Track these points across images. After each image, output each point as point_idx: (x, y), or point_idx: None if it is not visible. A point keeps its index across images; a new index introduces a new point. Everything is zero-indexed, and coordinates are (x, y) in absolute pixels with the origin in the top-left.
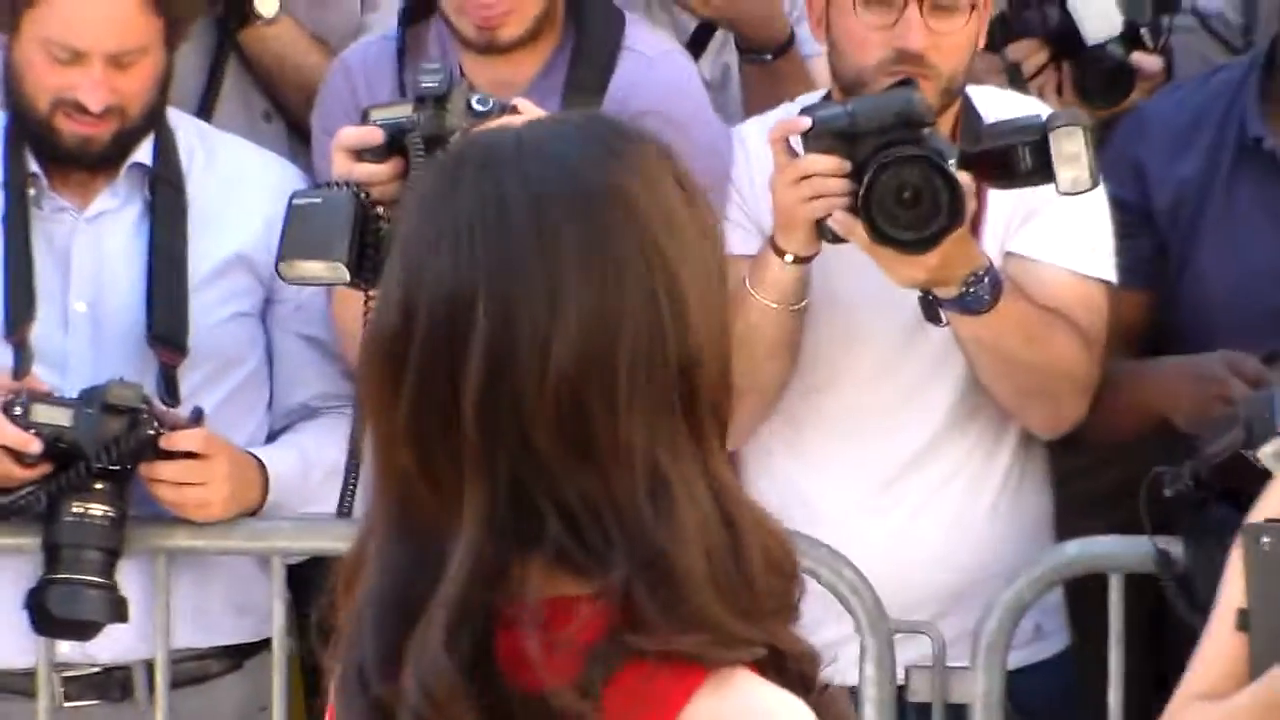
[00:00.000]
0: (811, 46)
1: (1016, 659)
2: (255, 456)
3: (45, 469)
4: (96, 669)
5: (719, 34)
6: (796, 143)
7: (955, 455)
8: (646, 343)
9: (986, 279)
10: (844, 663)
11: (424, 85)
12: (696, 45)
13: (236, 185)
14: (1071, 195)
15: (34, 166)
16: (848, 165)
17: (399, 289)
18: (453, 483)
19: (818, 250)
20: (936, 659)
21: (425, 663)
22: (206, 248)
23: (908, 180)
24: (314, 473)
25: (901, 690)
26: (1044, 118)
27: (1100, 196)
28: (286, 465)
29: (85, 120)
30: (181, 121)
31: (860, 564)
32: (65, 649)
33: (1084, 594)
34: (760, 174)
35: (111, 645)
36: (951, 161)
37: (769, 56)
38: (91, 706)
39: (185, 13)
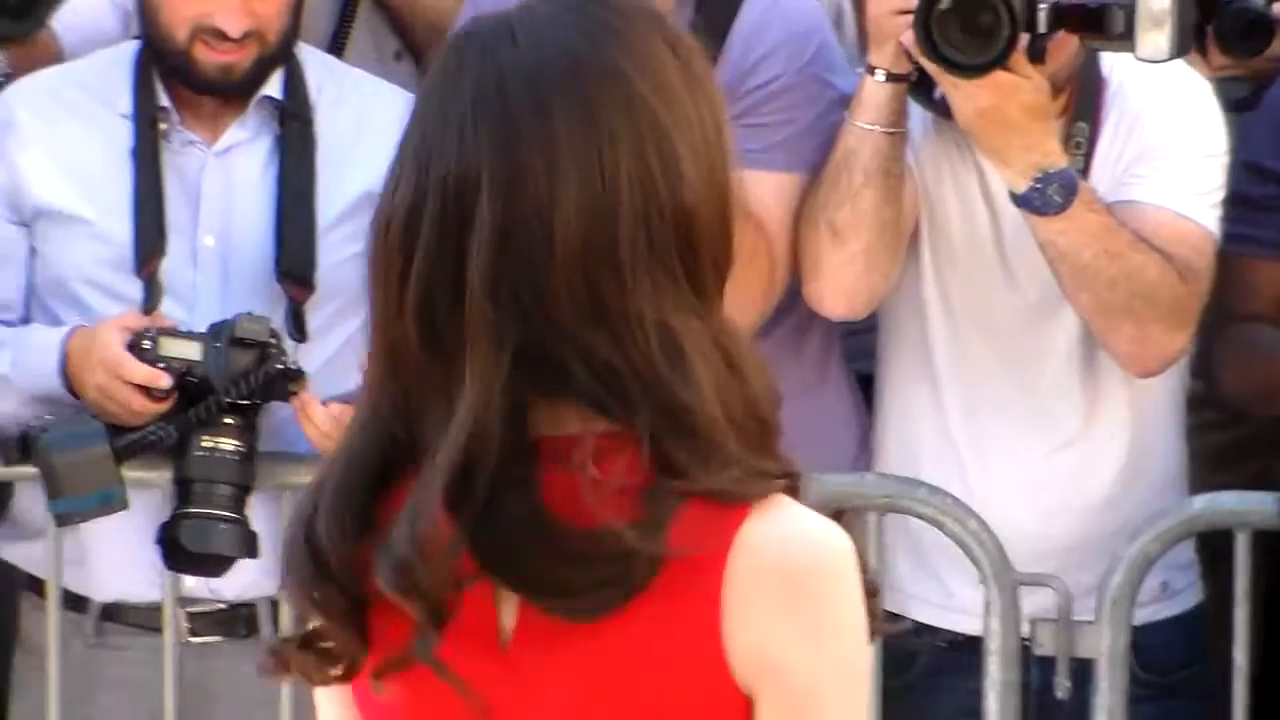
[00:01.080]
0: None
1: (1144, 615)
2: None
3: (174, 404)
4: (222, 605)
5: None
6: None
7: (1083, 404)
8: (642, 204)
9: (1058, 179)
10: (967, 613)
11: None
12: None
13: (365, 121)
14: (1150, 62)
15: (164, 100)
16: None
17: (412, 170)
18: (454, 351)
19: (909, 70)
20: (1062, 612)
21: (422, 514)
22: (335, 184)
23: (974, 5)
24: None
25: (1026, 643)
26: None
27: (1216, 153)
28: None
29: (225, 47)
30: (310, 56)
31: (986, 515)
32: (191, 584)
33: (1219, 551)
34: None
35: (237, 581)
36: (1043, 6)
37: None
38: (217, 642)
39: None
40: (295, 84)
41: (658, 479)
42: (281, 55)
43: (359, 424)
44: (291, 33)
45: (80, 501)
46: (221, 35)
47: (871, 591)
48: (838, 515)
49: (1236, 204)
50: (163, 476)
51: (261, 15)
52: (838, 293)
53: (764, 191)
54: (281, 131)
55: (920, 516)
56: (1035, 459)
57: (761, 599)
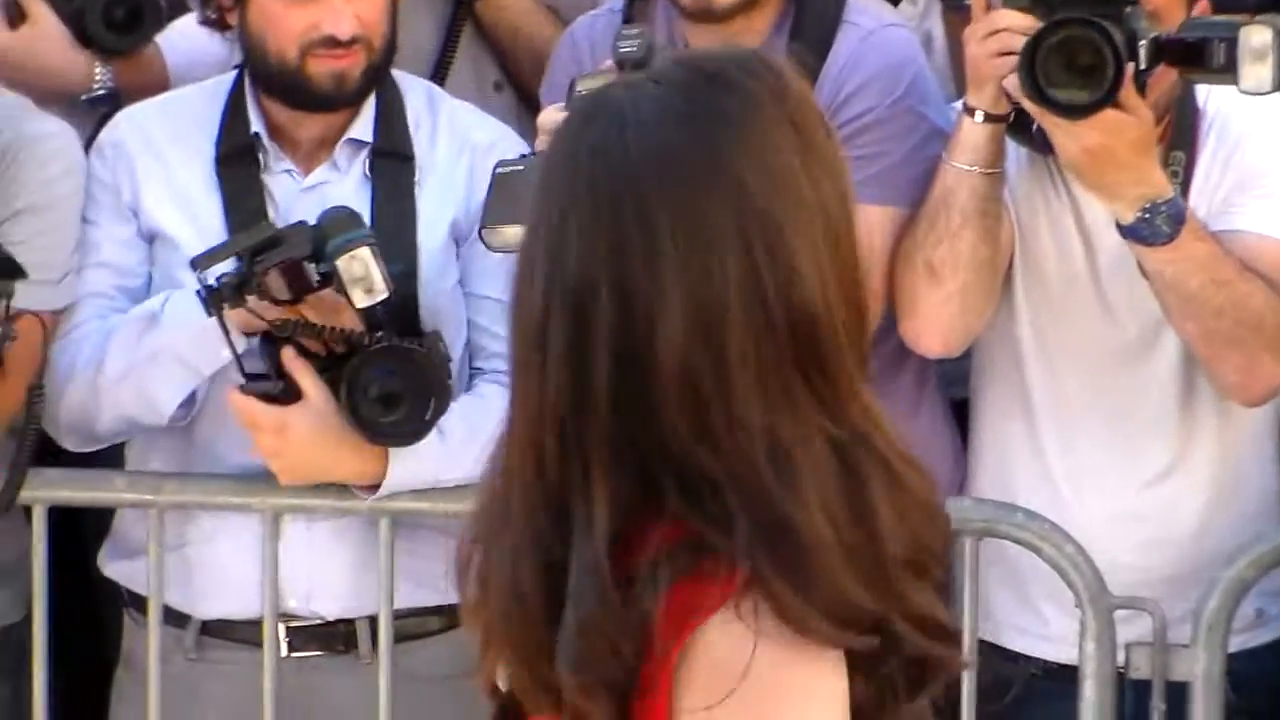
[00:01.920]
0: None
1: (1238, 642)
2: None
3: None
4: (320, 621)
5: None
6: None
7: (1178, 436)
8: (749, 311)
9: (1165, 209)
10: (1063, 641)
11: (622, 50)
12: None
13: (464, 154)
14: (1252, 94)
15: (257, 125)
16: (1038, 24)
17: (541, 270)
18: (584, 466)
19: (1008, 111)
20: (1157, 635)
21: (583, 600)
22: (435, 218)
23: (1076, 44)
24: (452, 442)
25: (1121, 669)
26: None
27: None
28: (427, 449)
29: (337, 53)
30: (411, 88)
31: (1083, 541)
32: (292, 603)
33: None
34: None
35: (337, 604)
36: (1143, 42)
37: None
38: (315, 657)
39: None
40: (391, 120)
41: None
42: (385, 64)
43: (518, 510)
44: (392, 42)
45: None
46: (333, 41)
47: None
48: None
49: None
50: (264, 502)
51: (366, 20)
52: (934, 332)
53: (860, 223)
54: (371, 171)
55: (1017, 541)
56: (1130, 491)
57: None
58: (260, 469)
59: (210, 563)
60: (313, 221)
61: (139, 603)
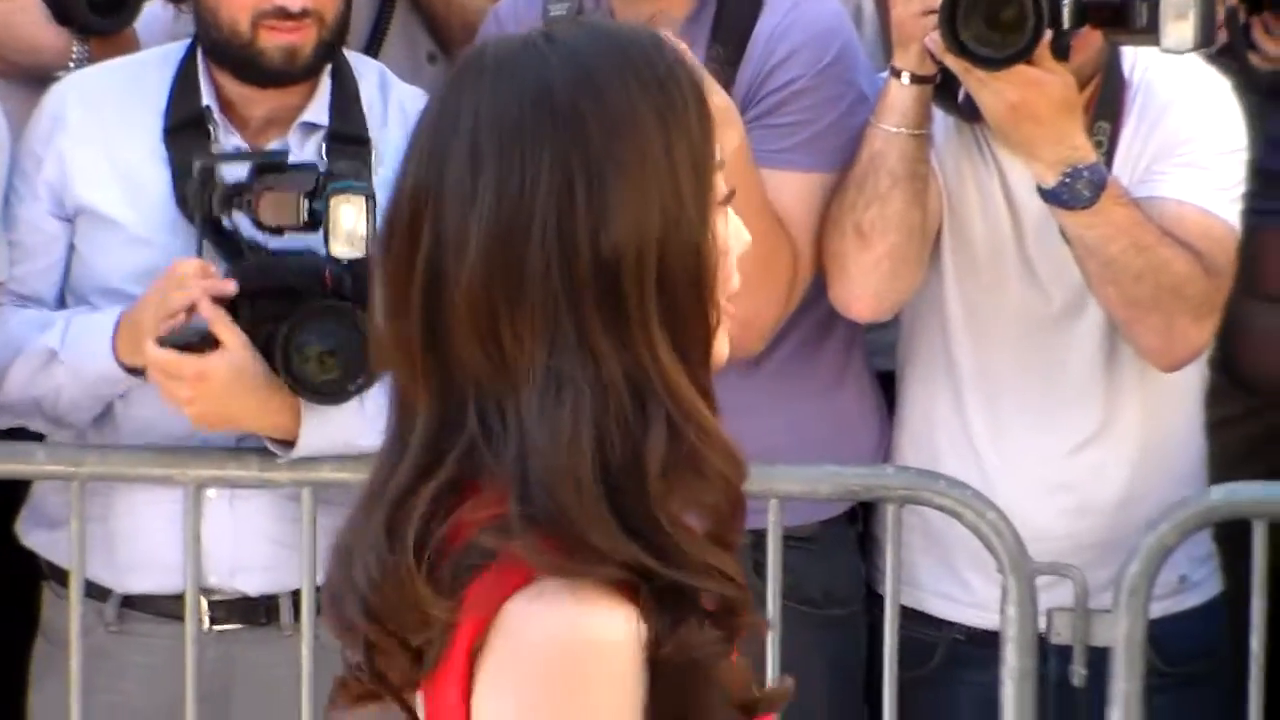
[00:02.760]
0: None
1: (1161, 608)
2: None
3: None
4: (241, 596)
5: None
6: None
7: (1103, 403)
8: (554, 244)
9: (1087, 173)
10: (985, 608)
11: (552, 14)
12: None
13: None
14: (1175, 53)
15: (207, 99)
16: None
17: (394, 188)
18: (415, 379)
19: (933, 71)
20: (1078, 601)
21: (370, 540)
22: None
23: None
24: (368, 408)
25: (1042, 635)
26: None
27: (1238, 148)
28: (344, 414)
29: (288, 25)
30: (365, 70)
31: (1009, 509)
32: (214, 579)
33: (1237, 543)
34: None
35: (260, 578)
36: (1066, 2)
37: None
38: (236, 630)
39: None
40: (347, 102)
41: (475, 538)
42: (337, 42)
43: (377, 457)
44: (345, 21)
45: None
46: (284, 13)
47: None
48: (860, 508)
49: (1261, 179)
50: (185, 474)
51: None
52: (864, 295)
53: (786, 191)
54: (328, 154)
55: (939, 508)
56: (1055, 458)
57: (500, 680)
58: (183, 441)
59: (133, 537)
60: (322, 168)
61: (59, 575)
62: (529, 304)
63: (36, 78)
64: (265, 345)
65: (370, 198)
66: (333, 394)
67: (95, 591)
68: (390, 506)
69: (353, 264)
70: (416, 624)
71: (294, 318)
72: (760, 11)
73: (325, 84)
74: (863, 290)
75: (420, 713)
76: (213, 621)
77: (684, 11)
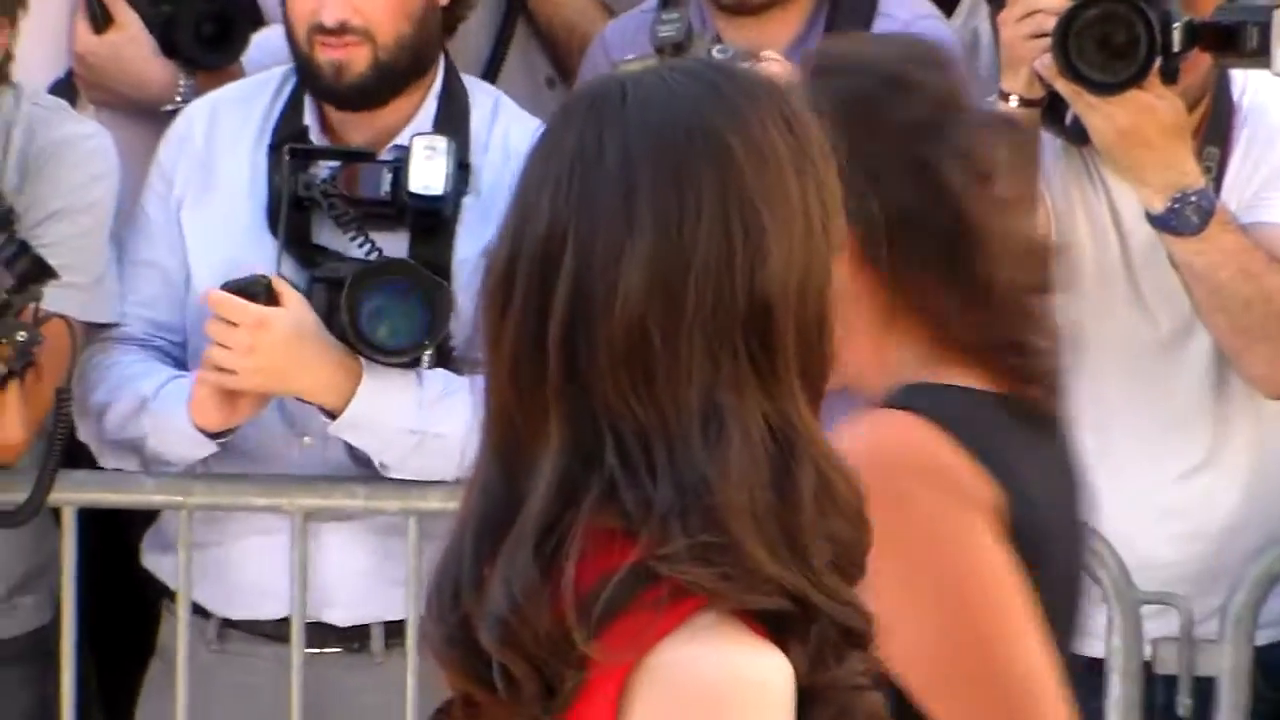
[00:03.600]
0: None
1: (1268, 635)
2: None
3: None
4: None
5: None
6: None
7: (1212, 430)
8: (714, 279)
9: (1195, 199)
10: (1090, 635)
11: (661, 34)
12: (945, 8)
13: (507, 172)
14: None
15: (308, 119)
16: (1074, 3)
17: (510, 227)
18: (542, 413)
19: (1042, 95)
20: (1184, 630)
21: (514, 569)
22: (485, 224)
23: (1110, 22)
24: (427, 392)
25: (1148, 664)
26: None
27: None
28: (402, 391)
29: (331, 41)
30: (480, 96)
31: (1112, 540)
32: (313, 610)
33: None
34: None
35: (353, 612)
36: (1177, 25)
37: None
38: (332, 654)
39: None
40: (454, 124)
41: (635, 563)
42: (409, 68)
43: (478, 484)
44: (419, 43)
45: None
46: (326, 28)
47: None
48: None
49: None
50: (293, 503)
51: (366, 12)
52: None
53: None
54: None
55: None
56: (1163, 484)
57: None
58: (289, 471)
59: (240, 564)
60: None
61: (174, 596)
62: (687, 340)
63: (142, 110)
64: (329, 314)
65: (450, 142)
66: (384, 350)
67: (201, 610)
68: (538, 532)
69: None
70: (557, 654)
71: (359, 271)
72: (870, 31)
73: (429, 107)
74: None
75: None
76: (307, 644)
77: (792, 33)
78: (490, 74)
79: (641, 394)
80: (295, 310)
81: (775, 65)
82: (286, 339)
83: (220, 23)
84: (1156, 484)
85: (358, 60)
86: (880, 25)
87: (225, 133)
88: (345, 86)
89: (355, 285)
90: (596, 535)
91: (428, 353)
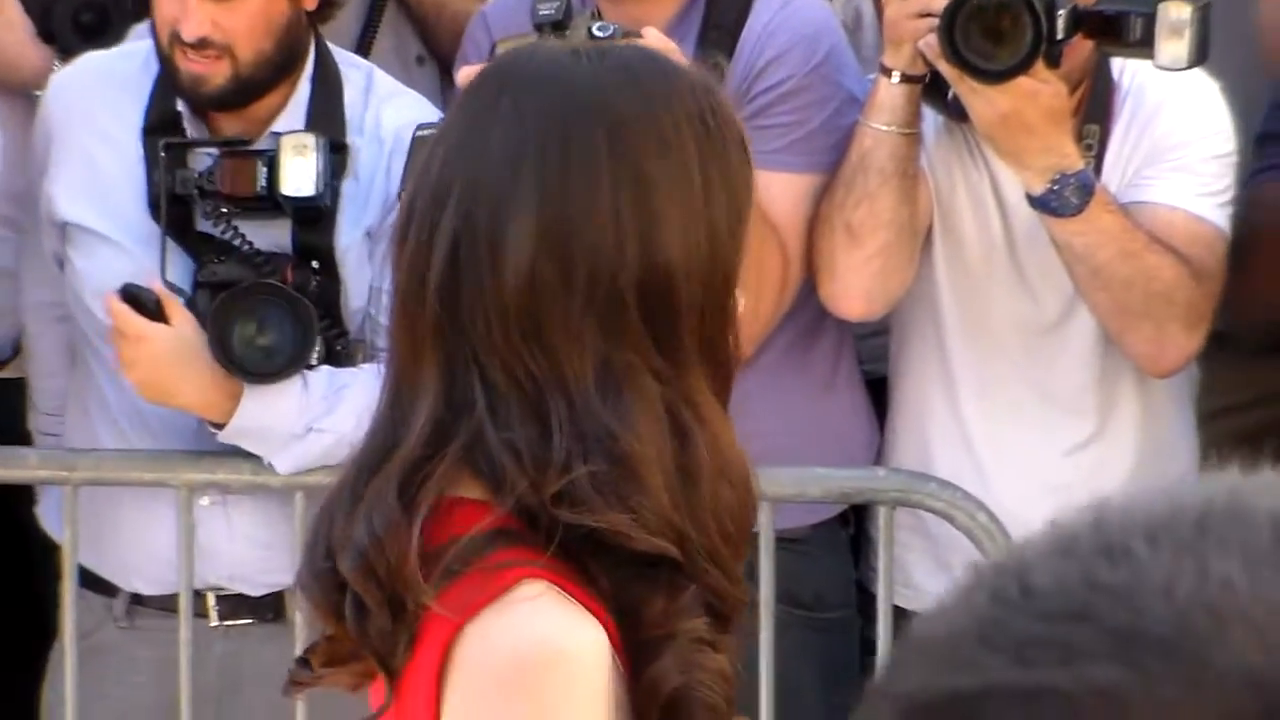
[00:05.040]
0: None
1: None
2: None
3: None
4: (250, 593)
5: None
6: None
7: (1099, 406)
8: (604, 253)
9: (1075, 180)
10: None
11: (541, 13)
12: None
13: (384, 152)
14: (1168, 70)
15: (181, 104)
16: None
17: (414, 169)
18: (422, 357)
19: (924, 71)
20: None
21: (378, 505)
22: (362, 206)
23: (997, 9)
24: (312, 393)
25: None
26: None
27: (1226, 153)
28: (285, 398)
29: (190, 54)
30: (353, 74)
31: (1001, 517)
32: (214, 579)
33: None
34: None
35: (265, 579)
36: (1061, 11)
37: None
38: (246, 625)
39: None
40: (328, 106)
41: (492, 529)
42: (270, 78)
43: (368, 431)
44: (276, 56)
45: None
46: (185, 40)
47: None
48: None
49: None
50: (179, 478)
51: (226, 28)
52: (855, 294)
53: (776, 192)
54: None
55: (930, 510)
56: (1052, 460)
57: (467, 690)
58: (177, 446)
59: (137, 537)
60: None
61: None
62: (579, 298)
63: (14, 92)
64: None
65: (319, 138)
66: (257, 373)
67: (106, 588)
68: (403, 472)
69: (320, 270)
70: (406, 590)
71: (224, 296)
72: (749, 11)
73: (304, 89)
74: (853, 289)
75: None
76: (220, 617)
77: (671, 11)
78: (361, 51)
79: (533, 347)
80: (178, 328)
81: (656, 41)
82: (165, 356)
83: (98, 12)
84: (1044, 460)
85: (216, 74)
86: (761, 4)
87: (95, 110)
88: (203, 97)
89: (219, 313)
90: (458, 488)
91: (314, 355)
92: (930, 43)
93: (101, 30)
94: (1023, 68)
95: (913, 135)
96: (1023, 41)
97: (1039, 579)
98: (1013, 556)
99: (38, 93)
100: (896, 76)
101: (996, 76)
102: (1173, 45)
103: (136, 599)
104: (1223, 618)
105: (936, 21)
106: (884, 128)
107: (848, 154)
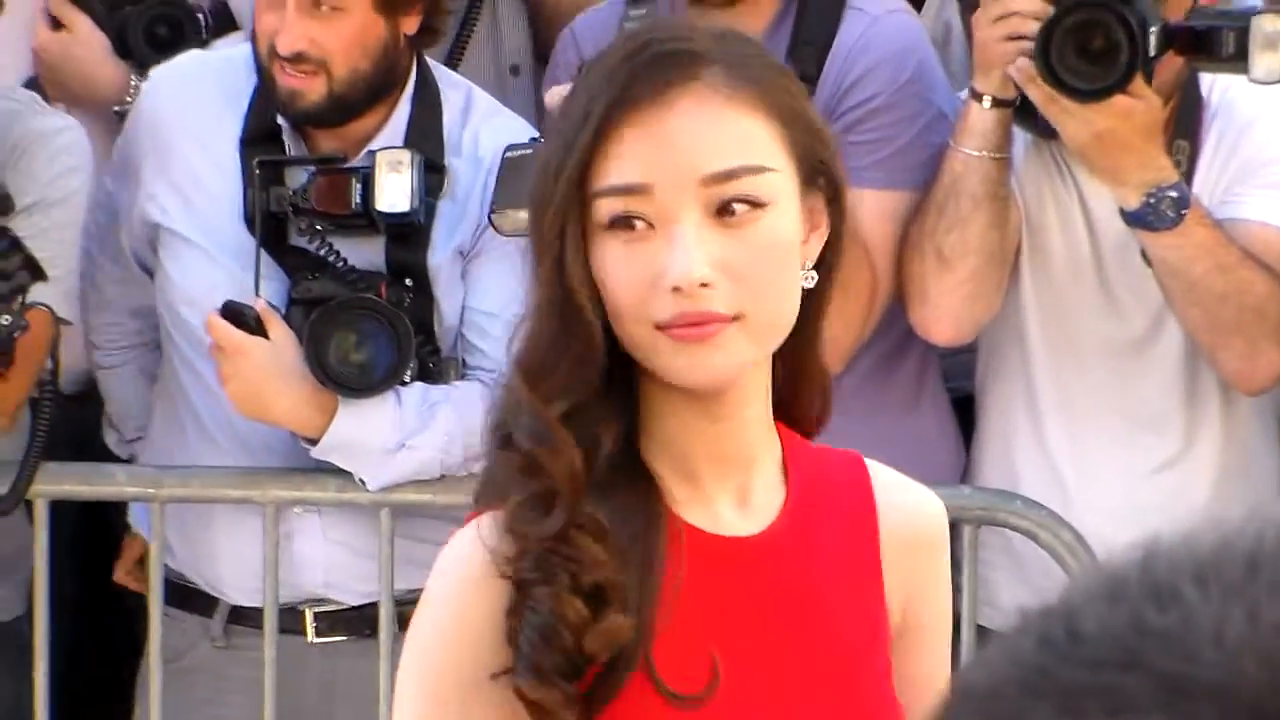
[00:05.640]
0: None
1: None
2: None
3: None
4: (346, 607)
5: None
6: None
7: (1184, 425)
8: None
9: (1170, 194)
10: None
11: (628, 28)
12: (916, 2)
13: (480, 174)
14: (1264, 84)
15: (282, 118)
16: (1049, 9)
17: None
18: None
19: (1015, 95)
20: None
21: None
22: (453, 226)
23: (1090, 28)
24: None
25: None
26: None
27: None
28: (379, 414)
29: (286, 68)
30: (453, 94)
31: (1089, 530)
32: (310, 588)
33: None
34: None
35: (363, 587)
36: (1153, 29)
37: None
38: (341, 642)
39: None
40: (426, 127)
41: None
42: (364, 98)
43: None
44: (373, 76)
45: None
46: (282, 55)
47: None
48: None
49: None
50: (265, 494)
51: (321, 44)
52: (944, 319)
53: (865, 209)
54: None
55: (1015, 529)
56: (1136, 480)
57: None
58: (271, 462)
59: (230, 549)
60: None
61: (171, 593)
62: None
63: (92, 109)
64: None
65: (415, 155)
66: (353, 388)
67: (202, 606)
68: None
69: (413, 287)
70: None
71: (322, 311)
72: (839, 26)
73: (403, 109)
74: (943, 313)
75: None
76: (317, 634)
77: (762, 25)
78: (453, 60)
79: None
80: (276, 343)
81: None
82: (262, 370)
83: (173, 25)
84: (1129, 480)
85: (312, 90)
86: (850, 19)
87: (193, 113)
88: (299, 112)
89: (317, 327)
90: None
91: (408, 372)
92: (1021, 67)
93: (176, 43)
94: (1120, 86)
95: (1004, 160)
96: (1118, 59)
97: (1086, 625)
98: (1061, 600)
99: (117, 109)
100: (988, 101)
101: (1094, 96)
102: (1268, 59)
103: (234, 617)
104: (1275, 664)
105: (1027, 45)
106: (975, 153)
107: (938, 178)
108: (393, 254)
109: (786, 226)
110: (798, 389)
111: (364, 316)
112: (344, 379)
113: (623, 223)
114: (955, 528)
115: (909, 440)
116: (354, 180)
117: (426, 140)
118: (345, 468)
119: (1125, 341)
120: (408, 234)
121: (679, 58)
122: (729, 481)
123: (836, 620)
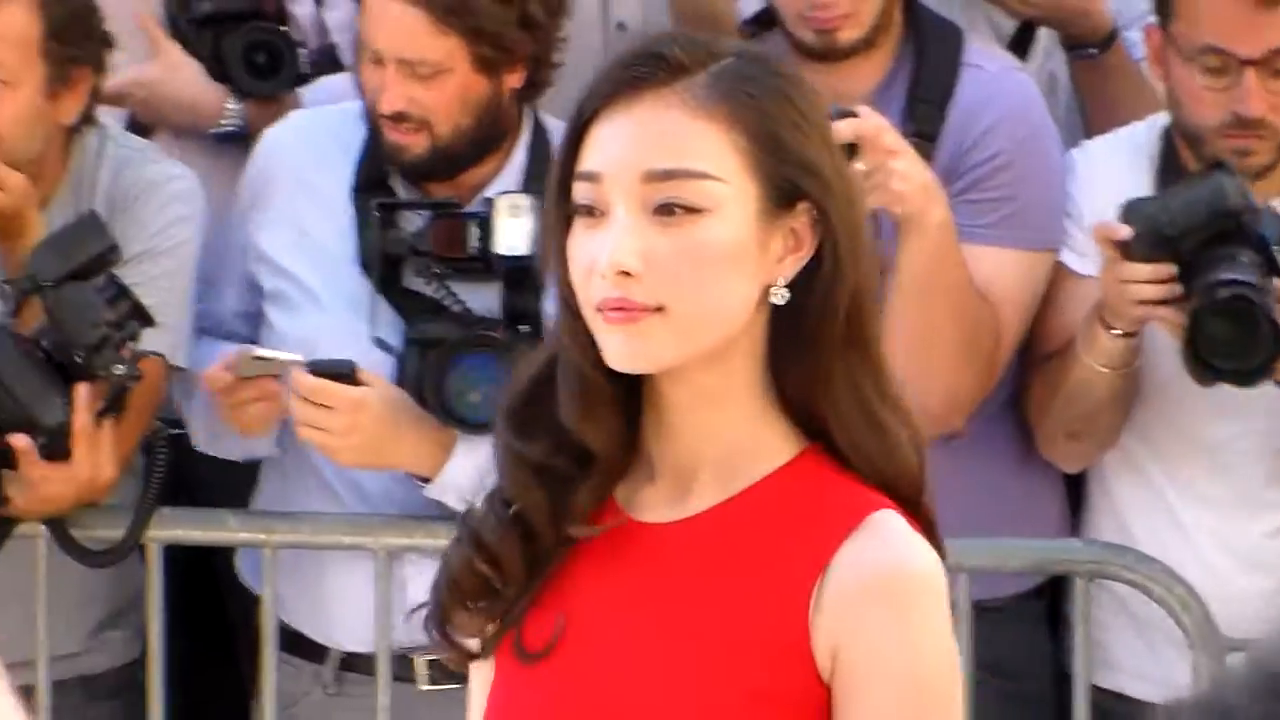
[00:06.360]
0: (1141, 50)
1: None
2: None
3: None
4: None
5: (1042, 40)
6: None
7: None
8: None
9: None
10: (1176, 680)
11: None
12: (1017, 49)
13: None
14: None
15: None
16: (1172, 269)
17: None
18: None
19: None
20: None
21: None
22: None
23: (1229, 320)
24: None
25: None
26: None
27: None
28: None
29: (389, 125)
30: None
31: (1205, 588)
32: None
33: None
34: (1102, 195)
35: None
36: (1277, 247)
37: (1094, 51)
38: (454, 690)
39: (488, 28)
40: (542, 175)
41: None
42: (470, 153)
43: None
44: (480, 135)
45: None
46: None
47: None
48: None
49: None
50: (377, 541)
51: (423, 104)
52: (1076, 465)
53: (989, 267)
54: None
55: (1128, 582)
56: (1250, 538)
57: None
58: (372, 509)
59: (342, 594)
60: None
61: (282, 638)
62: None
63: (188, 133)
64: (420, 378)
65: (533, 199)
66: (474, 424)
67: (313, 653)
68: None
69: (529, 333)
70: None
71: (442, 349)
72: (955, 83)
73: (518, 157)
74: (1075, 463)
75: None
76: (431, 681)
77: (874, 80)
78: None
79: None
80: (384, 389)
81: (873, 118)
82: (383, 417)
83: (270, 51)
84: (1243, 538)
85: (415, 145)
86: (968, 76)
87: (306, 167)
88: (405, 165)
89: (437, 365)
90: None
91: None
92: (1166, 314)
93: (274, 69)
94: (1269, 366)
95: (1132, 373)
96: (1261, 331)
97: None
98: (1214, 698)
99: (213, 131)
100: (1117, 332)
101: (1252, 377)
102: None
103: (346, 664)
104: None
105: (1158, 308)
106: (1103, 369)
107: (1065, 369)
108: (508, 299)
109: (726, 235)
110: (821, 416)
111: (484, 353)
112: (465, 415)
113: (584, 209)
114: (1066, 582)
115: (1021, 493)
116: (471, 225)
117: (541, 184)
118: (457, 508)
119: (1240, 392)
120: (523, 279)
121: (663, 63)
122: (671, 476)
123: (711, 625)
